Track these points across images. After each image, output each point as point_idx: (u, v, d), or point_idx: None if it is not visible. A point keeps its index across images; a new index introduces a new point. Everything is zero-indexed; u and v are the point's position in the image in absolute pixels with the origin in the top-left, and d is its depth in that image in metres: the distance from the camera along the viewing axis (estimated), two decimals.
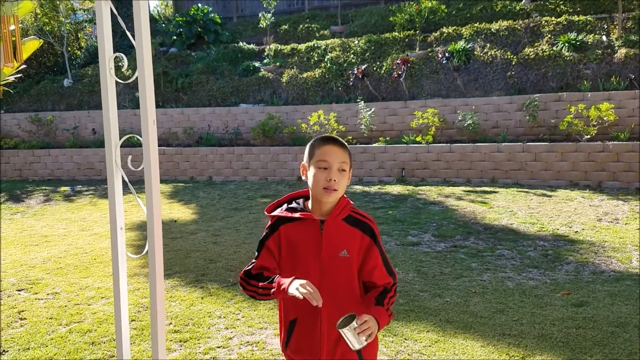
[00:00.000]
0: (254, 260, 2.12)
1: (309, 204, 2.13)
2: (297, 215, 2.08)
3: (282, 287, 1.92)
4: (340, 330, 1.83)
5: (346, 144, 2.11)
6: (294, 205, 2.13)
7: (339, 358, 2.05)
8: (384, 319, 1.99)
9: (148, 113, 1.88)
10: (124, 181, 2.03)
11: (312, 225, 2.06)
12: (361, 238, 2.06)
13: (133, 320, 4.40)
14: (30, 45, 2.26)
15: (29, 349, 3.95)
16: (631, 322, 4.09)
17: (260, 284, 2.01)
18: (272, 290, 1.96)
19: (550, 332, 3.99)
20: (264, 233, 2.14)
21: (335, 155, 2.03)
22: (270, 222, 2.14)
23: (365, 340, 1.84)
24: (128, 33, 1.98)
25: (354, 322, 1.82)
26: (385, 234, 6.81)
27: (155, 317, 1.96)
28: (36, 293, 5.13)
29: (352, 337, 1.82)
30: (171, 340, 4.03)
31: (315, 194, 2.07)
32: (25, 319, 4.52)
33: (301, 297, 1.84)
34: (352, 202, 2.13)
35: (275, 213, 2.14)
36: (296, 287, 1.87)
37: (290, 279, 1.93)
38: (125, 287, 2.08)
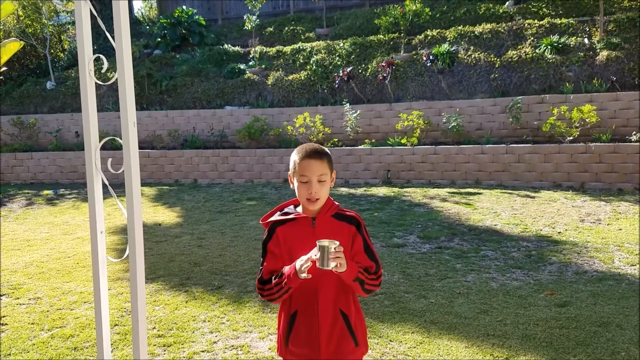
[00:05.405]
0: (261, 267, 2.30)
1: (299, 209, 2.33)
2: (290, 216, 2.29)
3: (291, 273, 2.14)
4: (319, 245, 2.06)
5: (326, 151, 2.28)
6: (286, 210, 2.34)
7: (336, 341, 2.25)
8: (354, 269, 2.18)
9: (128, 115, 1.87)
10: (104, 184, 2.01)
11: (305, 222, 2.27)
12: (348, 228, 2.28)
13: (116, 325, 4.35)
14: (11, 47, 2.23)
15: (10, 354, 3.89)
16: (613, 322, 4.14)
17: (274, 281, 2.21)
18: (284, 281, 2.16)
19: (534, 332, 4.02)
20: (264, 237, 2.32)
21: (314, 169, 2.21)
22: (266, 228, 2.34)
23: (333, 266, 2.09)
24: (108, 34, 1.96)
25: (333, 247, 2.08)
26: (371, 235, 6.75)
27: (136, 321, 1.94)
28: (18, 298, 5.06)
29: (325, 257, 2.07)
30: (154, 345, 4.00)
31: (302, 203, 2.29)
32: (6, 324, 4.45)
33: (310, 264, 2.09)
34: (337, 203, 2.34)
35: (270, 220, 2.34)
36: (300, 264, 2.11)
37: (292, 264, 2.16)
38: (106, 291, 2.06)
